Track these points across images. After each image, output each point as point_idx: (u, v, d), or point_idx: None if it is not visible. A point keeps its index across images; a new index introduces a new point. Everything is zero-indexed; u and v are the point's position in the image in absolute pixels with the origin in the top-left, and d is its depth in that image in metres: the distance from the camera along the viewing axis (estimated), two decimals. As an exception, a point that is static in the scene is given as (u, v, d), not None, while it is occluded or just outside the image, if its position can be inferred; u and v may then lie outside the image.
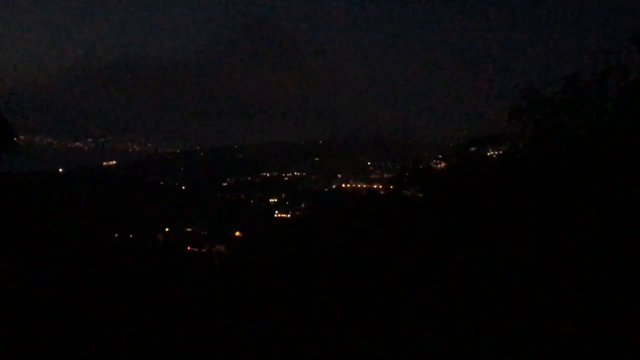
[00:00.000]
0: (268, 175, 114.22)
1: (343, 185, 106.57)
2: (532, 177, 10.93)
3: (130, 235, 63.23)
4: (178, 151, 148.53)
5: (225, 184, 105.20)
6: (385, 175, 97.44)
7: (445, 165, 18.16)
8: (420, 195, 19.29)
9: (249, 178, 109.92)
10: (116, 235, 61.87)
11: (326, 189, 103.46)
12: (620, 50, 10.95)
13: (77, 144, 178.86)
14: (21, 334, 13.87)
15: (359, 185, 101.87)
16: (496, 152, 14.20)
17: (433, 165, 19.94)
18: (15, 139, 16.20)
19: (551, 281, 9.62)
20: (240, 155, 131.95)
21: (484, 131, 14.24)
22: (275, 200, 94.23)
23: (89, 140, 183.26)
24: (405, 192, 19.40)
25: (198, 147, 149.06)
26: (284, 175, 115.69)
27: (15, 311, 15.58)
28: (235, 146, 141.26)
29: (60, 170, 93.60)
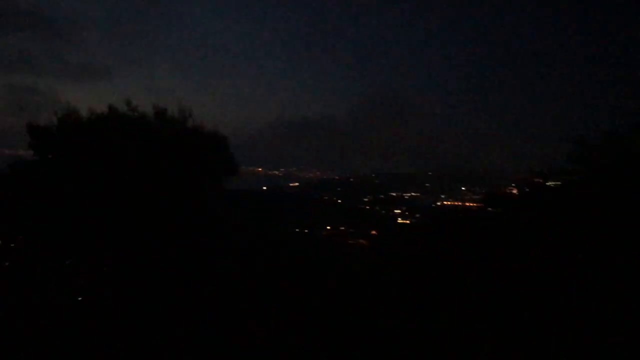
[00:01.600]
0: (394, 194, 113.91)
1: (445, 202, 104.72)
2: (583, 205, 10.49)
3: (306, 230, 64.62)
4: (336, 177, 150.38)
5: (365, 200, 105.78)
6: (473, 197, 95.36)
7: (517, 191, 17.63)
8: (499, 211, 18.96)
9: (381, 196, 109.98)
10: (297, 229, 63.33)
11: (433, 205, 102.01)
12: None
13: (274, 171, 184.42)
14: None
15: (455, 203, 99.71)
16: (555, 183, 13.67)
17: (509, 191, 19.39)
18: (237, 168, 17.00)
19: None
20: (375, 180, 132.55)
21: (545, 165, 13.79)
22: (398, 211, 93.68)
23: (281, 169, 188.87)
24: (489, 208, 19.13)
25: (349, 175, 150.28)
26: (404, 195, 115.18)
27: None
28: (372, 175, 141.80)
29: (264, 188, 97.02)
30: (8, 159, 16.22)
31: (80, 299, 14.90)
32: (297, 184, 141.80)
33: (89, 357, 12.26)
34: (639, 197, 9.42)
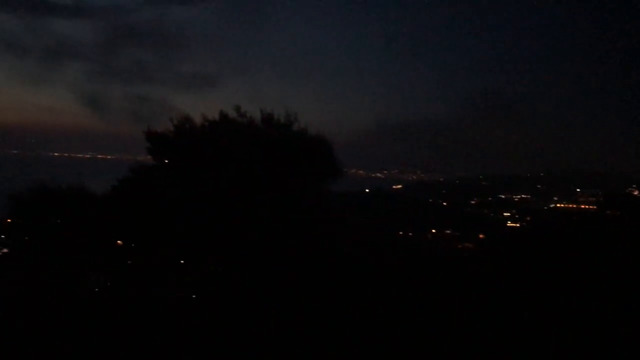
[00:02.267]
0: (502, 197, 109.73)
1: (557, 205, 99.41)
2: None
3: (410, 233, 63.95)
4: (441, 179, 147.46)
5: (472, 202, 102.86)
6: (588, 199, 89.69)
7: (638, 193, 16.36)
8: (619, 213, 17.68)
9: (489, 199, 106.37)
10: (401, 232, 62.87)
11: (545, 207, 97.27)
12: None
13: (377, 174, 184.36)
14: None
15: (569, 205, 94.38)
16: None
17: (629, 192, 18.06)
18: (341, 171, 17.13)
19: None
20: (483, 182, 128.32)
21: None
22: (508, 214, 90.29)
23: (385, 171, 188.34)
24: (607, 211, 17.92)
25: (454, 177, 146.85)
26: (514, 197, 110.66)
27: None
28: (480, 176, 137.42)
29: (366, 190, 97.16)
30: (128, 164, 17.42)
31: (194, 295, 15.74)
32: (400, 186, 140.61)
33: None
34: None
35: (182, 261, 16.32)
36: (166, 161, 16.41)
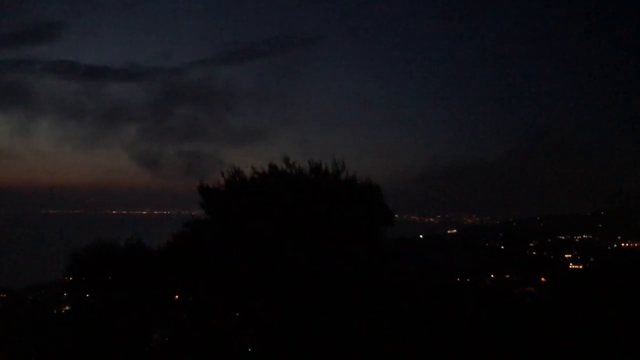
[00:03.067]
0: (563, 237, 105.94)
1: (622, 244, 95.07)
2: None
3: (467, 279, 62.28)
4: (497, 222, 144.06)
5: (531, 244, 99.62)
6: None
7: None
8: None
9: (549, 240, 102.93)
10: (458, 279, 61.36)
11: (609, 247, 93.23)
12: None
13: (430, 219, 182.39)
14: None
15: (635, 245, 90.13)
16: None
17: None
18: (392, 217, 16.95)
19: None
20: (541, 223, 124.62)
21: None
22: (570, 255, 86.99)
23: (438, 216, 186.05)
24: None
25: (510, 219, 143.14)
26: (574, 237, 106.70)
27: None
28: (537, 217, 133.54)
29: (420, 236, 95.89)
30: (184, 219, 17.83)
31: (250, 350, 15.67)
32: (454, 230, 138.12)
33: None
34: None
35: (237, 314, 16.38)
36: (219, 214, 16.70)
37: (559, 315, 20.18)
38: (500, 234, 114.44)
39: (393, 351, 14.24)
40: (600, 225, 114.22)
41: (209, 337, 15.55)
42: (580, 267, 74.98)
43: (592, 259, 77.00)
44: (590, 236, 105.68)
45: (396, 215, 18.32)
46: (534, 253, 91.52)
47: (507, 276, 69.72)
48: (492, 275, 69.19)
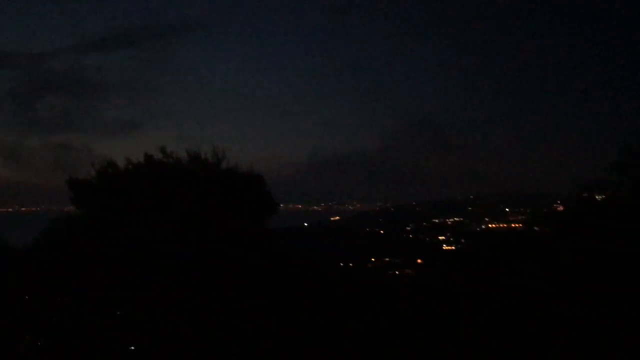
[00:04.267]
0: (436, 221, 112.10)
1: (490, 225, 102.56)
2: (634, 217, 9.91)
3: (350, 264, 64.00)
4: (377, 208, 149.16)
5: (408, 228, 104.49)
6: (518, 217, 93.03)
7: (564, 208, 16.88)
8: (548, 230, 18.27)
9: (424, 223, 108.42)
10: (341, 264, 62.72)
11: (477, 229, 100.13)
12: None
13: (315, 207, 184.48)
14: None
15: (500, 225, 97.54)
16: (602, 197, 13.00)
17: (555, 208, 18.60)
18: (276, 206, 16.85)
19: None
20: (417, 208, 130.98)
21: (589, 180, 13.11)
22: (443, 237, 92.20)
23: (321, 204, 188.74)
24: (535, 228, 18.48)
25: (390, 205, 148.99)
26: (447, 220, 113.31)
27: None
28: (413, 203, 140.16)
29: (305, 224, 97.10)
30: (54, 215, 16.52)
31: (132, 348, 14.85)
32: (338, 217, 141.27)
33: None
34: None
35: (118, 312, 15.46)
36: (91, 209, 15.64)
37: (434, 293, 21.21)
38: (380, 220, 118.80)
39: (281, 332, 14.18)
40: (470, 209, 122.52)
41: (86, 339, 14.55)
42: (453, 247, 79.70)
43: (463, 240, 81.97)
44: (462, 219, 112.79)
45: (281, 205, 18.20)
46: (411, 236, 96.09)
47: (387, 259, 72.42)
48: (373, 259, 71.58)
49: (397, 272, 59.60)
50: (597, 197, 13.10)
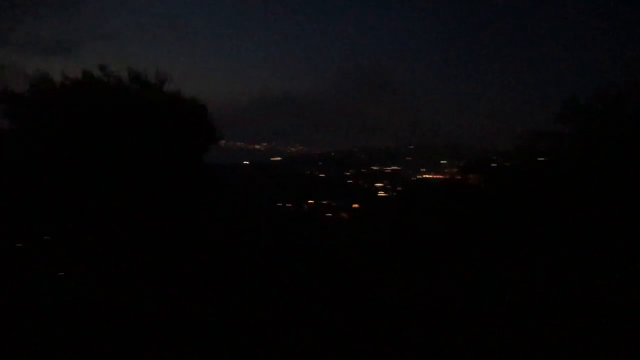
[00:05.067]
0: (375, 168, 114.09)
1: (425, 176, 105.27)
2: (576, 167, 10.45)
3: (288, 204, 64.63)
4: (318, 152, 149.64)
5: (347, 174, 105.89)
6: (453, 170, 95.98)
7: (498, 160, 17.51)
8: (476, 177, 19.09)
9: (363, 170, 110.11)
10: (279, 204, 63.28)
11: (413, 178, 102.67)
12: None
13: (257, 146, 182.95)
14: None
15: (435, 176, 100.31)
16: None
17: (489, 158, 19.24)
18: (218, 135, 16.69)
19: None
20: (358, 155, 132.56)
21: (532, 131, 13.64)
22: (380, 185, 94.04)
23: (264, 144, 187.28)
24: (469, 176, 19.24)
25: (331, 150, 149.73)
26: (385, 168, 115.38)
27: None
28: (355, 149, 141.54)
29: (246, 162, 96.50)
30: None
31: (62, 273, 14.59)
32: (279, 158, 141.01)
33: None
34: (625, 156, 9.41)
35: (46, 237, 15.13)
36: (24, 124, 15.01)
37: (363, 235, 21.88)
38: (320, 163, 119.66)
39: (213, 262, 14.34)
40: (409, 158, 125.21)
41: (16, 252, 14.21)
42: (387, 194, 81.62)
43: (399, 188, 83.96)
44: (399, 167, 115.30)
45: (223, 141, 18.07)
46: (350, 182, 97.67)
47: (325, 202, 73.53)
48: (310, 201, 72.52)
49: (331, 214, 60.83)
50: (539, 146, 13.63)
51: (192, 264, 13.89)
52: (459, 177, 20.57)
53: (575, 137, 11.05)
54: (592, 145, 10.17)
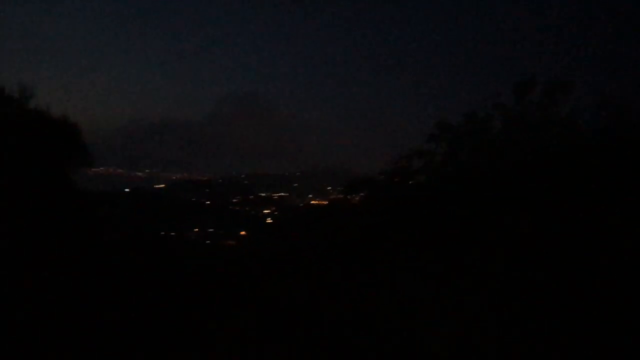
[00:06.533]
0: (263, 195, 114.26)
1: (312, 202, 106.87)
2: (447, 182, 11.05)
3: (172, 233, 62.62)
4: (204, 179, 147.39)
5: (234, 200, 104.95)
6: (338, 195, 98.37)
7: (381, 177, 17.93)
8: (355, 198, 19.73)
9: (250, 197, 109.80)
10: (162, 233, 61.09)
11: (301, 204, 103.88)
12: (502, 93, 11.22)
13: (138, 173, 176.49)
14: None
15: (322, 202, 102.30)
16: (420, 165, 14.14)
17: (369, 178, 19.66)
18: (91, 159, 15.71)
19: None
20: (245, 182, 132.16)
21: (406, 150, 14.32)
22: (268, 211, 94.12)
23: (146, 170, 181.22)
24: (349, 197, 19.74)
25: (217, 176, 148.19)
26: (273, 195, 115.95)
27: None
28: (242, 175, 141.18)
29: (126, 189, 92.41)
30: None
31: None
32: (162, 185, 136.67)
33: None
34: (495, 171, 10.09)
35: None
36: None
37: (254, 263, 21.68)
38: (207, 190, 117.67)
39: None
40: (296, 185, 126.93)
41: None
42: (273, 220, 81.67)
43: (287, 214, 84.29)
44: (287, 194, 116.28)
45: (101, 168, 17.10)
46: (237, 208, 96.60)
47: (211, 230, 72.19)
48: (196, 229, 70.83)
49: (219, 243, 59.75)
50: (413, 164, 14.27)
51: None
52: (341, 198, 21.05)
53: (447, 154, 11.83)
54: (461, 161, 10.94)
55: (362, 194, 17.97)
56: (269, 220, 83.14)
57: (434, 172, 12.41)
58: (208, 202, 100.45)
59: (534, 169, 10.02)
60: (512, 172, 10.34)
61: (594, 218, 8.21)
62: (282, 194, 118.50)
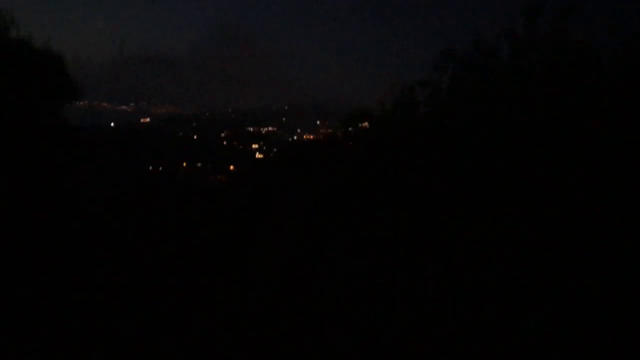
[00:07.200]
0: (251, 129, 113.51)
1: (303, 136, 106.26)
2: (450, 118, 10.62)
3: (160, 167, 62.24)
4: (191, 113, 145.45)
5: (222, 135, 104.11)
6: (327, 130, 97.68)
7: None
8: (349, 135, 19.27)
9: (239, 131, 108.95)
10: (150, 167, 60.69)
11: (290, 139, 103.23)
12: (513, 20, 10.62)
13: (124, 107, 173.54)
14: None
15: (311, 137, 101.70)
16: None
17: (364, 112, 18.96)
18: (78, 90, 15.14)
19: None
20: (232, 115, 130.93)
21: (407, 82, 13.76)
22: (256, 146, 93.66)
23: (131, 104, 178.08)
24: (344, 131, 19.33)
25: (204, 110, 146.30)
26: (261, 129, 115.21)
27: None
28: (230, 109, 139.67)
29: (112, 124, 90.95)
30: None
31: None
32: (148, 119, 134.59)
33: None
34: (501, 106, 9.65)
35: None
36: None
37: (241, 199, 21.44)
38: (194, 124, 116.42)
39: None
40: (284, 119, 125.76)
41: None
42: (263, 156, 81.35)
43: (275, 149, 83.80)
44: (275, 129, 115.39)
45: (85, 102, 16.43)
46: (225, 143, 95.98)
47: (199, 164, 71.94)
48: (184, 164, 70.51)
49: (209, 178, 59.59)
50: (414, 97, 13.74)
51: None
52: (341, 133, 20.41)
53: (453, 85, 11.33)
54: (469, 93, 10.50)
55: (360, 127, 17.56)
56: (258, 156, 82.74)
57: (439, 104, 11.95)
58: (195, 137, 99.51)
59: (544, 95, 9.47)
60: (518, 100, 9.82)
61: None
62: (271, 128, 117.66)
